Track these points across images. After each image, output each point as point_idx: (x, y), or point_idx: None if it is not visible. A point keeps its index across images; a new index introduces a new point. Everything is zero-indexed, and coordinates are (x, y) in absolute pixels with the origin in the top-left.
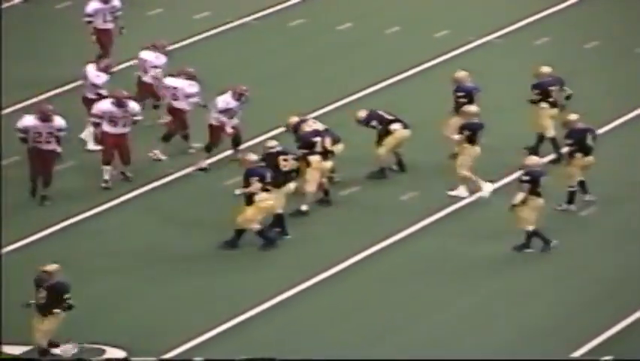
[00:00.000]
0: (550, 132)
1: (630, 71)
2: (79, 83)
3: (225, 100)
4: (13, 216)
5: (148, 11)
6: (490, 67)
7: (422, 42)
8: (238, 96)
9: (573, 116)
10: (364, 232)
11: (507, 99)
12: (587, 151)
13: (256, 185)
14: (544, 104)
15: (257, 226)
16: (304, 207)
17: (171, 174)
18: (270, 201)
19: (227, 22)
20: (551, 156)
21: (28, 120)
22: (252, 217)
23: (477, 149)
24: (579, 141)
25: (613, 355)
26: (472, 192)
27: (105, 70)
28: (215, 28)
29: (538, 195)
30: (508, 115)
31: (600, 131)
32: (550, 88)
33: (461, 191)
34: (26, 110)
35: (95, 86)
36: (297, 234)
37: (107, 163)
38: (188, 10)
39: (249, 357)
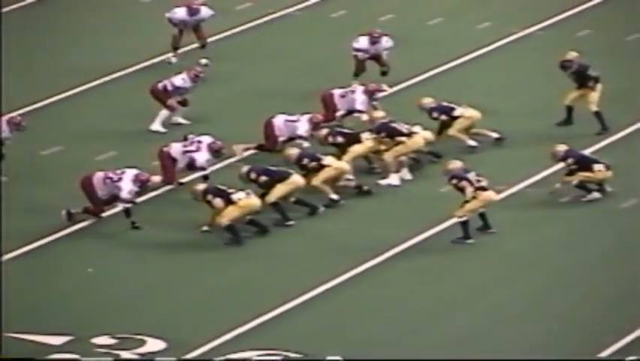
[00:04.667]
0: (594, 107)
1: None
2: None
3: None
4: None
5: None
6: (532, 59)
7: (464, 34)
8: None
9: (561, 147)
10: (403, 224)
11: (548, 91)
12: (591, 162)
13: (217, 201)
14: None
15: (225, 222)
16: (335, 196)
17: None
18: (248, 200)
19: (270, 13)
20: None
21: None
22: (227, 215)
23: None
24: (579, 160)
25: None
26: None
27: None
28: (257, 19)
29: (484, 189)
30: (550, 106)
31: None
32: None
33: (392, 179)
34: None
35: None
36: (333, 226)
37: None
38: (230, 1)
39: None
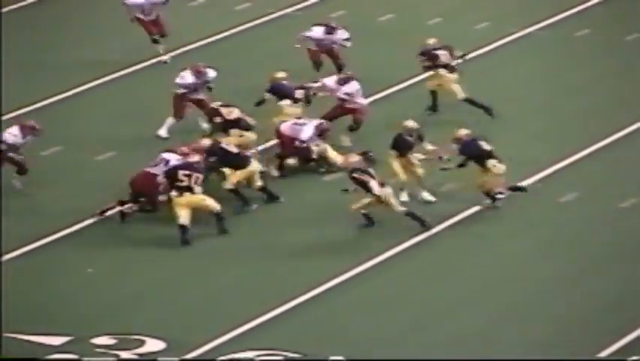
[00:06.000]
0: (461, 95)
1: None
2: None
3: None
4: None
5: (190, 2)
6: (531, 59)
7: (463, 33)
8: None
9: (463, 132)
10: (403, 222)
11: (548, 91)
12: (486, 157)
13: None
14: (441, 71)
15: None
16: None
17: None
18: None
19: (269, 14)
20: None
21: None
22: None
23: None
24: (474, 152)
25: None
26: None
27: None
28: (256, 19)
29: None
30: (547, 105)
31: None
32: (437, 52)
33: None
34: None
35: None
36: (338, 227)
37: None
38: (229, 1)
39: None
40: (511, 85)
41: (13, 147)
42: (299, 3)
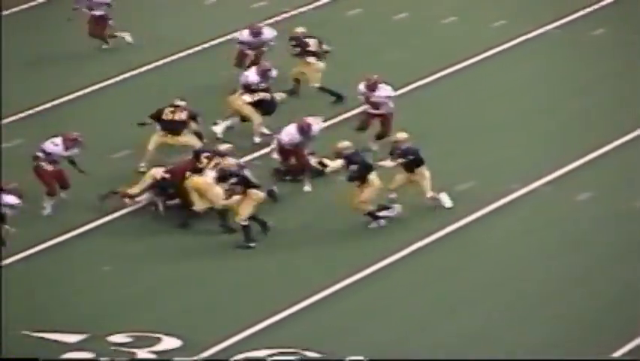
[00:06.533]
0: (316, 84)
1: None
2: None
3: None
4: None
5: (205, 0)
6: (547, 57)
7: (478, 32)
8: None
9: (402, 135)
10: (411, 225)
11: (563, 89)
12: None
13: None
14: (310, 58)
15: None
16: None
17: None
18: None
19: (284, 12)
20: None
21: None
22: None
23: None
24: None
25: None
26: None
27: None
28: (271, 17)
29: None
30: (563, 104)
31: None
32: (307, 40)
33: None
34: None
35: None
36: (349, 227)
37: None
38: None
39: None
40: (526, 83)
41: (51, 157)
42: (314, 2)
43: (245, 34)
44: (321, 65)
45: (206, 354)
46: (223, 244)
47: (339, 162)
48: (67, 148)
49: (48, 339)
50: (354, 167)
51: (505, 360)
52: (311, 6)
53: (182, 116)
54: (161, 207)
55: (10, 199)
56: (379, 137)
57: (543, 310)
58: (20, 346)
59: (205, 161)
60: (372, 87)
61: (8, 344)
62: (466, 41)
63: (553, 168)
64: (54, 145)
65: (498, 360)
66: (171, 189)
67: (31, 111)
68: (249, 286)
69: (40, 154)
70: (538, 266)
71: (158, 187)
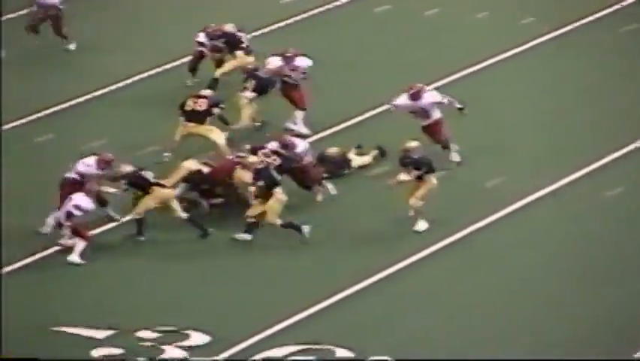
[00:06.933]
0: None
1: None
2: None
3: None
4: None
5: None
6: (577, 53)
7: (508, 29)
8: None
9: (413, 144)
10: (448, 220)
11: (594, 85)
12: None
13: None
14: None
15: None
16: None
17: None
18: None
19: (314, 8)
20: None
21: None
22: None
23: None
24: (427, 165)
25: None
26: None
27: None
28: (301, 13)
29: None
30: (595, 100)
31: None
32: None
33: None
34: None
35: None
36: (378, 226)
37: None
38: None
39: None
40: (557, 80)
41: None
42: None
43: (201, 37)
44: (249, 59)
45: (234, 350)
46: (252, 240)
47: (366, 159)
48: (99, 168)
49: (76, 335)
50: (261, 182)
51: (527, 360)
52: (340, 2)
53: (203, 105)
54: (205, 205)
55: (85, 202)
56: (443, 146)
57: (576, 308)
58: (49, 341)
59: (260, 157)
60: (416, 96)
61: (37, 339)
62: (495, 38)
63: (584, 163)
64: (86, 166)
65: (522, 360)
66: (207, 185)
67: (62, 106)
68: (278, 282)
69: (74, 176)
70: (567, 263)
71: (191, 181)
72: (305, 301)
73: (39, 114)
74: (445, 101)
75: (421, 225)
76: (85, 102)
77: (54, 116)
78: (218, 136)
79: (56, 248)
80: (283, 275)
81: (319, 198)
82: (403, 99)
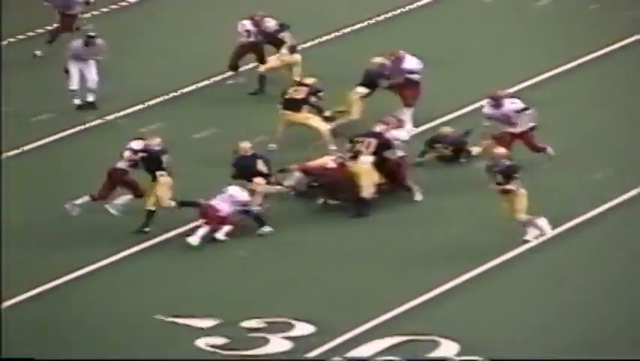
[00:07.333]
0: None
1: None
2: None
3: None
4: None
5: None
6: (627, 72)
7: (617, 19)
8: None
9: (500, 151)
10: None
11: None
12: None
13: None
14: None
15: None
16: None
17: None
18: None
19: (397, 8)
20: None
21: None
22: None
23: None
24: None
25: None
26: None
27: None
28: (413, 2)
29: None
30: None
31: None
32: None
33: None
34: None
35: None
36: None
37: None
38: None
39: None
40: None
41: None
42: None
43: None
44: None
45: (340, 340)
46: (358, 231)
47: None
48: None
49: (181, 324)
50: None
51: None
52: (422, 2)
53: (301, 93)
54: (329, 201)
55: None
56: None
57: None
58: (152, 331)
59: (358, 145)
60: (497, 103)
61: (141, 328)
62: (606, 28)
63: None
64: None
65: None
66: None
67: (173, 94)
68: (384, 272)
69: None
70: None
71: (314, 175)
72: (411, 292)
73: (147, 103)
74: (526, 111)
75: (531, 233)
76: (193, 91)
77: (159, 107)
78: (319, 123)
79: (159, 238)
80: (390, 266)
81: (418, 197)
82: (486, 107)
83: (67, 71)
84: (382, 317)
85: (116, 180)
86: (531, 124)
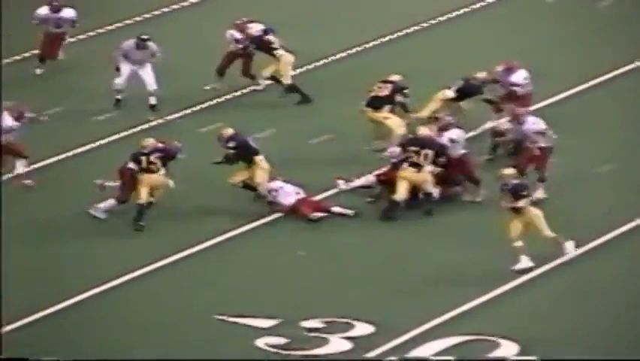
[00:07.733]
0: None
1: None
2: None
3: None
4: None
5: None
6: None
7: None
8: None
9: (509, 171)
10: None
11: None
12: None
13: None
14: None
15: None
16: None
17: None
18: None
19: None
20: None
21: None
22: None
23: None
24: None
25: None
26: None
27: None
28: (476, 2)
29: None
30: None
31: None
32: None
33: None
34: None
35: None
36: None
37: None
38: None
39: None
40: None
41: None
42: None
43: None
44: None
45: (399, 340)
46: (419, 231)
47: None
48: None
49: (242, 324)
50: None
51: None
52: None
53: (385, 91)
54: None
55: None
56: (541, 180)
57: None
58: (212, 330)
59: (413, 154)
60: (518, 119)
61: (201, 328)
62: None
63: None
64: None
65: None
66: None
67: (229, 96)
68: (444, 273)
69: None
70: None
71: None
72: (473, 291)
73: (207, 103)
74: (547, 132)
75: (523, 262)
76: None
77: (217, 107)
78: (396, 125)
79: (216, 239)
80: (449, 268)
81: (475, 197)
82: (506, 123)
83: (118, 69)
84: (443, 317)
85: (127, 179)
86: (546, 144)
